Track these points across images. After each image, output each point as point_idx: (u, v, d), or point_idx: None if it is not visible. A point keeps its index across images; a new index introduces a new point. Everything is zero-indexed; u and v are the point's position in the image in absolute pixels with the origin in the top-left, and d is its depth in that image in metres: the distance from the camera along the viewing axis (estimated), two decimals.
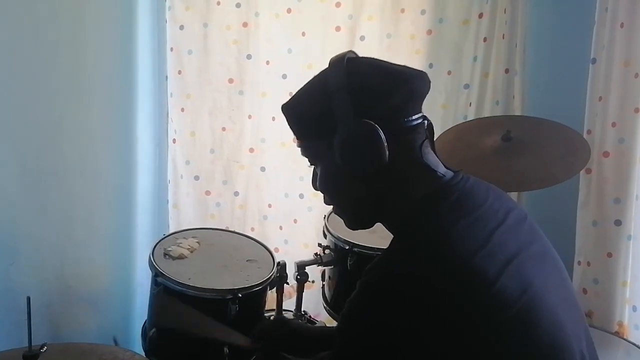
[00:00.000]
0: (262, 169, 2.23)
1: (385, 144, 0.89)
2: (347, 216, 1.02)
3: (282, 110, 1.00)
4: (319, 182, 0.99)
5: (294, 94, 1.00)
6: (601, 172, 1.81)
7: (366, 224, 1.01)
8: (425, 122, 0.96)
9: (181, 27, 2.14)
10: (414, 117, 0.93)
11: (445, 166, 0.97)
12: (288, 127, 1.00)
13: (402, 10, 2.05)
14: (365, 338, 0.83)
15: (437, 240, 0.84)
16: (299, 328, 1.34)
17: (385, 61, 0.98)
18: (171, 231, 1.82)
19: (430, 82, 0.97)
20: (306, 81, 1.00)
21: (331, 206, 1.03)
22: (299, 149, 1.00)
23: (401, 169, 0.92)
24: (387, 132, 0.89)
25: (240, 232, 1.87)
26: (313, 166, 1.01)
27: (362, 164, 0.91)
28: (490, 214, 0.91)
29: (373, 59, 0.99)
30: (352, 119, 0.89)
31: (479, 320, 0.79)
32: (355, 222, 1.02)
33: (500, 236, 0.87)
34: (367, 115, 0.89)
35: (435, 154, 0.97)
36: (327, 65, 0.96)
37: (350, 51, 0.99)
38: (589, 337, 0.92)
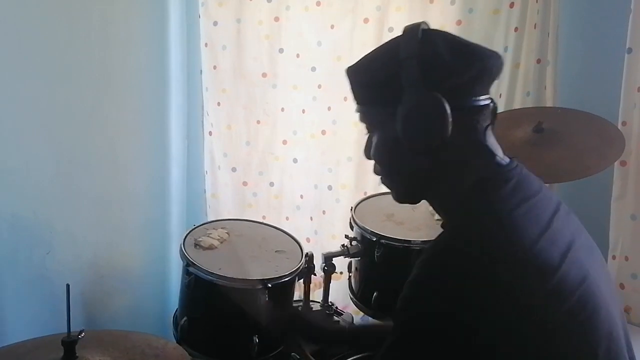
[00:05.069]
0: (295, 160, 2.26)
1: (450, 120, 0.86)
2: (395, 189, 0.99)
3: (346, 73, 0.96)
4: (373, 151, 0.96)
5: (360, 58, 0.96)
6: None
7: (414, 199, 0.99)
8: (492, 104, 0.93)
9: (215, 23, 2.16)
10: (481, 98, 0.90)
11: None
12: (350, 89, 0.96)
13: (431, 1, 2.02)
14: (423, 322, 0.81)
15: (498, 227, 0.83)
16: (314, 324, 1.32)
17: (459, 37, 0.94)
18: (203, 221, 1.85)
19: (503, 64, 0.93)
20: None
21: (380, 176, 1.00)
22: (358, 114, 0.97)
23: (461, 148, 0.90)
24: (453, 108, 0.86)
25: (269, 223, 1.89)
26: (369, 134, 0.98)
27: (422, 138, 0.88)
28: (547, 200, 0.89)
29: (447, 32, 0.95)
30: (419, 89, 0.86)
31: (541, 308, 0.78)
32: (403, 195, 0.99)
33: (558, 222, 0.86)
34: (435, 88, 0.86)
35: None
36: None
37: (424, 22, 0.96)
38: (627, 329, 0.91)
